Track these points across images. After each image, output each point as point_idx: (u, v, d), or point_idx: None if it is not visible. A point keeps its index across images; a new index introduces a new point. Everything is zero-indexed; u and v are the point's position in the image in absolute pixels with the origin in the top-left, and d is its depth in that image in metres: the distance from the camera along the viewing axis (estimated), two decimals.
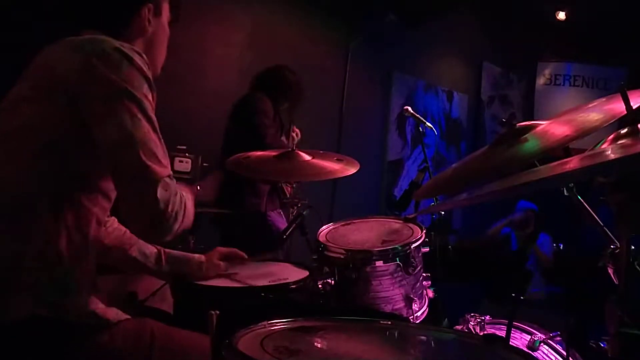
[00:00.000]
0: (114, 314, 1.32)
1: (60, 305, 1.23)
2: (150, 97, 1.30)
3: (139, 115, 1.25)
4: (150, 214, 1.25)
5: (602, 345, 1.24)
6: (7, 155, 1.27)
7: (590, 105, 1.25)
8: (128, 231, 1.65)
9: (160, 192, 1.24)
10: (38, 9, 2.87)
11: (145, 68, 1.30)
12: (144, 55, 1.33)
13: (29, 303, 1.20)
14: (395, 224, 2.01)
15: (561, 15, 5.97)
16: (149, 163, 1.23)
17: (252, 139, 2.94)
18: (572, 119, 1.21)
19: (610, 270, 1.30)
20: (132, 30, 1.44)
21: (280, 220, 3.19)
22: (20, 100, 1.30)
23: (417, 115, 3.02)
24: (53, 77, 1.29)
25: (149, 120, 1.27)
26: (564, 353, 1.80)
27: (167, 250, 1.70)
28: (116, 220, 1.65)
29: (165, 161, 1.28)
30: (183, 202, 1.31)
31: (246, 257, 1.80)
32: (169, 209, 1.26)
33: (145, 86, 1.29)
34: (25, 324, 1.19)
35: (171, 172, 1.30)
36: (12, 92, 1.33)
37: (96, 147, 1.26)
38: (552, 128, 1.24)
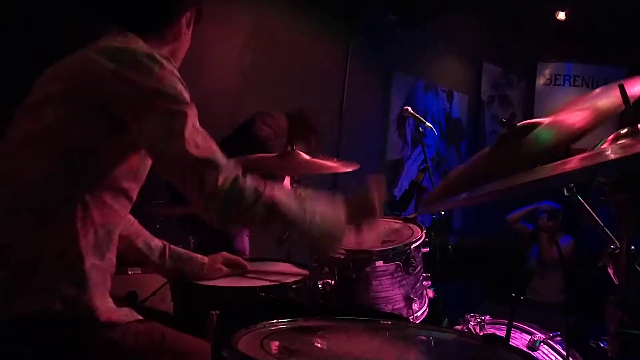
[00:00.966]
0: (126, 312, 1.34)
1: (74, 302, 1.24)
2: (185, 94, 1.30)
3: (173, 109, 1.26)
4: (211, 199, 1.24)
5: (602, 345, 1.24)
6: (35, 155, 1.28)
7: (590, 95, 1.25)
8: (136, 222, 1.67)
9: (212, 175, 1.24)
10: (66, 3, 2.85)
11: (176, 70, 1.32)
12: (172, 61, 1.34)
13: (43, 299, 1.21)
14: (395, 224, 2.01)
15: (561, 15, 5.96)
16: (191, 151, 1.23)
17: (254, 147, 2.90)
18: (583, 107, 1.19)
19: (610, 270, 1.30)
20: (167, 34, 1.46)
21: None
22: (48, 101, 1.31)
23: (417, 115, 3.02)
24: (84, 83, 1.30)
25: (183, 112, 1.26)
26: (564, 353, 1.80)
27: (172, 246, 1.71)
28: None
29: (208, 144, 1.27)
30: (252, 186, 1.28)
31: (249, 268, 1.80)
32: (232, 188, 1.24)
33: (180, 85, 1.30)
34: (38, 319, 1.20)
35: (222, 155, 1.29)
36: (36, 92, 1.34)
37: (125, 147, 1.30)
38: (566, 119, 1.21)
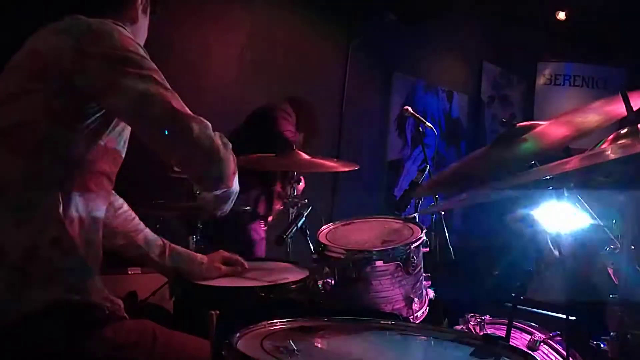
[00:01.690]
0: (120, 303, 1.34)
1: (81, 288, 1.26)
2: (148, 60, 1.31)
3: (145, 72, 1.27)
4: (197, 153, 1.29)
5: (602, 345, 1.24)
6: (10, 149, 1.28)
7: (589, 107, 1.25)
8: (137, 217, 1.67)
9: (196, 129, 1.28)
10: None
11: (132, 38, 1.32)
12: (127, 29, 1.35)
13: (49, 290, 1.22)
14: (395, 224, 2.01)
15: (561, 15, 5.96)
16: (176, 106, 1.27)
17: (278, 146, 2.90)
18: (571, 120, 1.21)
19: (610, 270, 1.30)
20: (123, 19, 1.44)
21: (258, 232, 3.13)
22: (12, 94, 1.30)
23: (417, 115, 3.01)
24: (44, 64, 1.29)
25: (156, 73, 1.29)
26: (564, 353, 1.80)
27: (172, 245, 1.71)
28: (126, 204, 1.65)
29: (182, 103, 1.31)
30: (225, 139, 1.35)
31: (247, 266, 1.80)
32: (215, 142, 1.31)
33: (140, 52, 1.30)
34: (43, 313, 1.21)
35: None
36: (2, 87, 1.33)
37: (97, 127, 1.29)
38: (551, 129, 1.24)
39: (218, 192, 1.41)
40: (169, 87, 1.31)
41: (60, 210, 1.26)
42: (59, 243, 1.25)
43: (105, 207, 1.40)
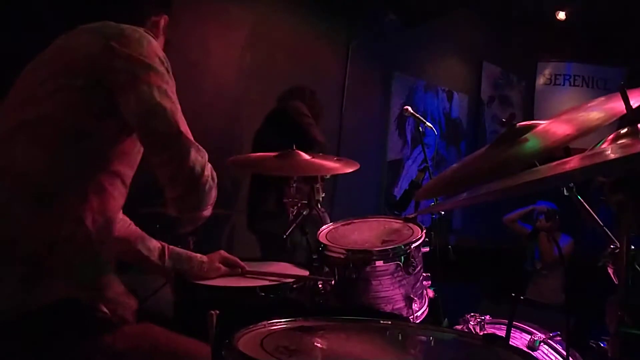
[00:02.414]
0: (134, 301, 1.36)
1: (96, 284, 1.27)
2: (170, 75, 1.34)
3: (164, 87, 1.30)
4: (189, 179, 1.30)
5: (602, 345, 1.24)
6: (34, 142, 1.29)
7: (590, 105, 1.25)
8: (133, 224, 1.67)
9: (195, 156, 1.30)
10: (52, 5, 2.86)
11: (160, 49, 1.36)
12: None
13: (63, 286, 1.23)
14: (395, 224, 2.01)
15: (561, 15, 5.96)
16: (182, 129, 1.29)
17: (302, 142, 2.94)
18: (573, 118, 1.21)
19: (610, 270, 1.30)
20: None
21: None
22: (39, 88, 1.32)
23: (417, 115, 3.01)
24: (73, 59, 1.32)
25: (172, 91, 1.32)
26: (564, 353, 1.80)
27: (170, 246, 1.71)
28: (121, 212, 1.66)
29: (188, 129, 1.33)
30: (214, 173, 1.37)
31: (246, 268, 1.80)
32: (205, 173, 1.32)
33: (165, 65, 1.34)
34: (60, 307, 1.22)
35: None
36: (29, 81, 1.36)
37: (119, 127, 1.31)
38: (553, 127, 1.24)
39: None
40: (179, 106, 1.33)
41: (77, 206, 1.27)
42: (74, 239, 1.26)
43: (118, 210, 1.42)
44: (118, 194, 1.38)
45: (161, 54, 1.35)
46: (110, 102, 1.29)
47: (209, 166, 1.35)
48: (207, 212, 1.41)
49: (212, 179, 1.35)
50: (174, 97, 1.32)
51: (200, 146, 1.34)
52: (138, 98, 1.27)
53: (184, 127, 1.31)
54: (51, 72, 1.33)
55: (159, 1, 1.55)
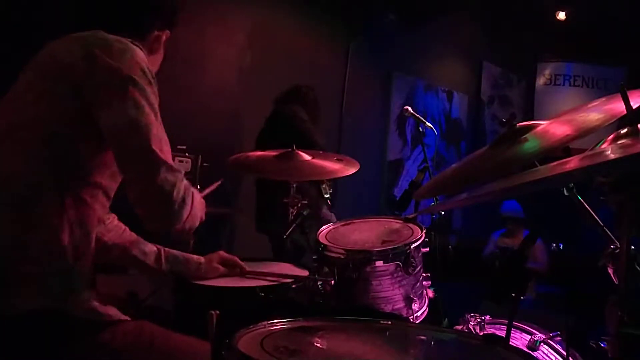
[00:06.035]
0: (114, 312, 1.33)
1: (65, 299, 1.25)
2: (152, 89, 1.32)
3: (143, 102, 1.27)
4: (156, 197, 1.28)
5: (602, 345, 1.24)
6: (14, 146, 1.29)
7: (590, 105, 1.25)
8: (127, 229, 1.66)
9: (164, 175, 1.27)
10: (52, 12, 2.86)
11: (146, 62, 1.33)
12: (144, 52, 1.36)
13: (35, 294, 1.21)
14: (395, 224, 2.01)
15: (561, 15, 5.97)
16: (153, 147, 1.26)
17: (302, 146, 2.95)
18: (572, 118, 1.21)
19: (610, 270, 1.30)
20: (144, 44, 1.46)
21: None
22: (26, 92, 1.32)
23: (417, 115, 3.02)
24: (58, 68, 1.31)
25: (152, 108, 1.29)
26: (564, 353, 1.80)
27: (167, 249, 1.70)
28: (116, 217, 1.65)
29: (167, 148, 1.31)
30: (191, 192, 1.34)
31: (245, 268, 1.80)
32: (175, 193, 1.28)
33: (147, 77, 1.31)
34: (32, 317, 1.20)
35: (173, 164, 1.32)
36: (16, 85, 1.35)
37: (99, 137, 1.28)
38: (552, 128, 1.24)
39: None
40: (158, 120, 1.30)
41: (55, 215, 1.25)
42: (49, 247, 1.24)
43: (99, 222, 1.39)
44: (99, 207, 1.36)
45: (145, 66, 1.32)
46: (88, 112, 1.28)
47: (182, 184, 1.31)
48: (188, 226, 1.37)
49: (184, 198, 1.31)
50: (153, 111, 1.29)
51: (172, 165, 1.30)
52: (113, 112, 1.26)
53: (157, 144, 1.27)
54: (37, 77, 1.33)
55: (167, 21, 1.53)
